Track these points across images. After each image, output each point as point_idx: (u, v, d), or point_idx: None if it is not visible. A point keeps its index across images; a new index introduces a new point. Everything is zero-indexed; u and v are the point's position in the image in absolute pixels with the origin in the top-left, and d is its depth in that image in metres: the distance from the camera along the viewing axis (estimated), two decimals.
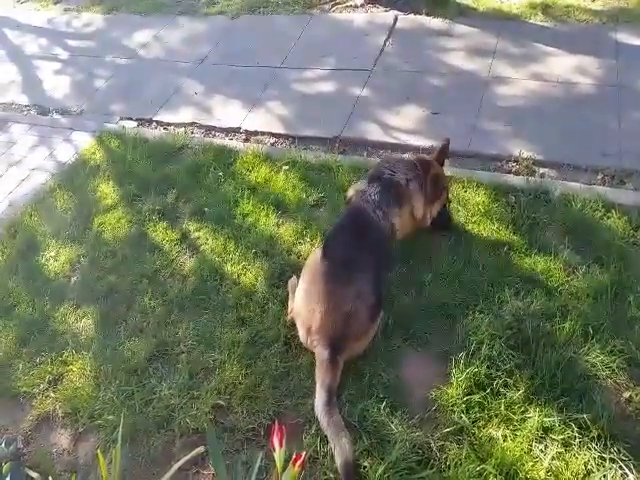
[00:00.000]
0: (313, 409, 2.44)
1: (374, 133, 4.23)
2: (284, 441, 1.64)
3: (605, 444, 2.24)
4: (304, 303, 2.72)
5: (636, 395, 2.39)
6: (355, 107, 4.49)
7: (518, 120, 4.03)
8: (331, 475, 2.29)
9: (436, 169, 3.16)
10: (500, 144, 3.88)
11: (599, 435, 2.27)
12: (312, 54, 5.23)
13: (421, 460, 2.29)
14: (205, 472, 2.41)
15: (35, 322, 3.19)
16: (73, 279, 3.45)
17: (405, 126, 4.22)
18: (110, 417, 2.62)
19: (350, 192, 3.17)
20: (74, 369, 2.90)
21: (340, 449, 2.25)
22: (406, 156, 3.28)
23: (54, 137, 4.86)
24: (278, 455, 1.64)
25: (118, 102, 5.22)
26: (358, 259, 2.74)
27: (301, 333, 2.71)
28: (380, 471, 2.23)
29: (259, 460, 1.95)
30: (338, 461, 2.24)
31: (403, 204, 3.05)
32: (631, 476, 2.15)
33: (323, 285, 2.68)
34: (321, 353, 2.55)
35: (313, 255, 2.95)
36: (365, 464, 2.29)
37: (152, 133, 4.68)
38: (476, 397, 2.45)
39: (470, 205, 3.38)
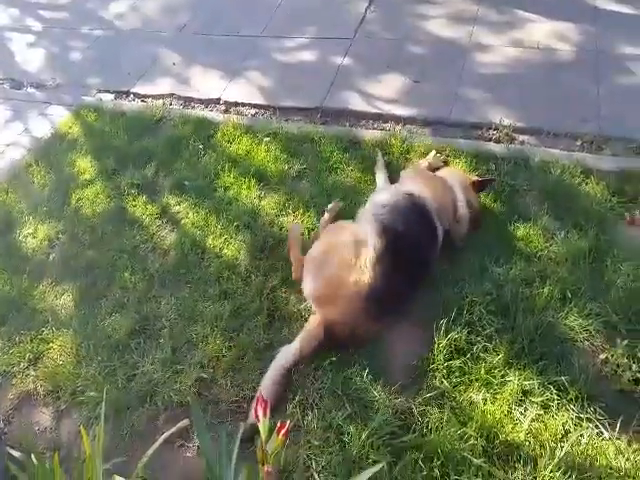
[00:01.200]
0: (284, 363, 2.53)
1: (356, 103, 4.18)
2: (268, 411, 1.65)
3: (582, 405, 2.30)
4: (332, 275, 2.66)
5: (612, 356, 2.43)
6: (336, 76, 4.42)
7: (499, 87, 4.01)
8: (315, 442, 2.32)
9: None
10: (481, 112, 3.86)
11: (577, 396, 2.32)
12: (292, 22, 5.13)
13: (403, 425, 2.34)
14: (190, 445, 2.43)
15: (13, 300, 3.15)
16: (52, 256, 3.41)
17: (387, 95, 4.17)
18: (92, 394, 2.62)
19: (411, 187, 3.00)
20: (55, 347, 2.88)
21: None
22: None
23: (29, 112, 4.75)
24: (262, 425, 1.65)
25: (95, 75, 5.09)
26: (409, 296, 2.71)
27: (307, 286, 2.75)
28: (363, 436, 2.27)
29: (241, 430, 1.97)
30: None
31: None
32: (606, 434, 2.21)
33: (363, 297, 2.57)
34: (317, 328, 2.59)
35: (372, 230, 2.77)
36: (349, 430, 2.32)
37: (130, 106, 4.59)
38: (457, 362, 2.48)
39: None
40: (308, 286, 2.76)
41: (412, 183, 3.04)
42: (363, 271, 2.62)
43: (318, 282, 2.71)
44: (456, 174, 3.18)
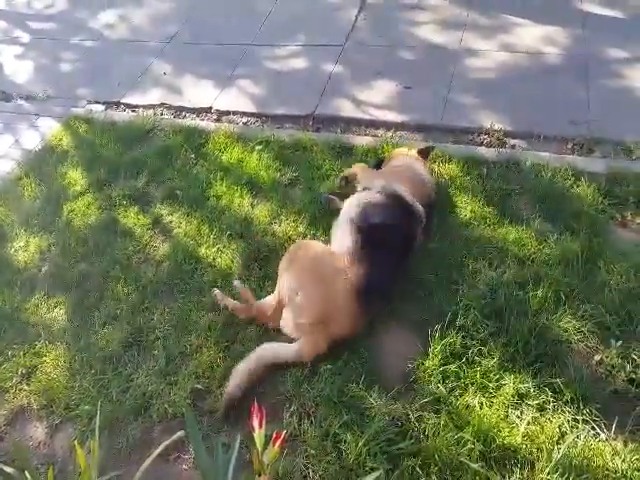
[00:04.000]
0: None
1: (348, 109, 4.20)
2: (264, 422, 1.64)
3: (578, 406, 2.30)
4: (323, 294, 2.62)
5: (606, 357, 2.44)
6: (328, 83, 4.44)
7: (489, 92, 4.03)
8: (312, 451, 2.31)
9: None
10: (472, 117, 3.88)
11: (572, 398, 2.32)
12: (283, 30, 5.14)
13: (400, 431, 2.33)
14: (186, 456, 2.41)
15: (5, 314, 3.13)
16: (44, 269, 3.38)
17: (378, 101, 4.19)
18: (86, 407, 2.59)
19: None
20: (48, 360, 2.86)
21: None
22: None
23: (19, 124, 4.74)
24: (258, 436, 1.64)
25: (85, 86, 5.08)
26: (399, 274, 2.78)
27: (299, 315, 2.64)
28: (360, 444, 2.26)
29: (238, 441, 1.95)
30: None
31: None
32: (602, 435, 2.21)
33: (358, 297, 2.60)
34: (321, 344, 2.60)
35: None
36: (346, 438, 2.31)
37: (120, 116, 4.58)
38: (452, 367, 2.48)
39: (442, 178, 3.38)
40: (302, 315, 2.63)
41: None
42: (347, 273, 2.64)
43: (312, 308, 2.60)
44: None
